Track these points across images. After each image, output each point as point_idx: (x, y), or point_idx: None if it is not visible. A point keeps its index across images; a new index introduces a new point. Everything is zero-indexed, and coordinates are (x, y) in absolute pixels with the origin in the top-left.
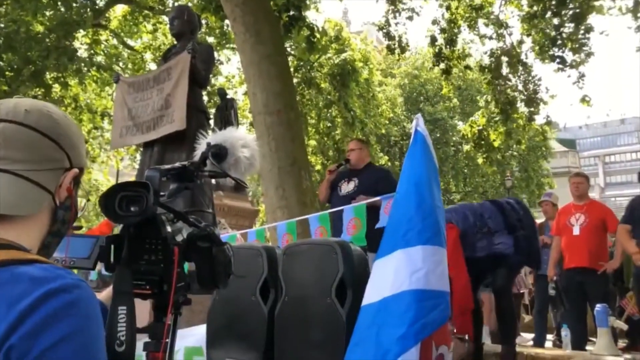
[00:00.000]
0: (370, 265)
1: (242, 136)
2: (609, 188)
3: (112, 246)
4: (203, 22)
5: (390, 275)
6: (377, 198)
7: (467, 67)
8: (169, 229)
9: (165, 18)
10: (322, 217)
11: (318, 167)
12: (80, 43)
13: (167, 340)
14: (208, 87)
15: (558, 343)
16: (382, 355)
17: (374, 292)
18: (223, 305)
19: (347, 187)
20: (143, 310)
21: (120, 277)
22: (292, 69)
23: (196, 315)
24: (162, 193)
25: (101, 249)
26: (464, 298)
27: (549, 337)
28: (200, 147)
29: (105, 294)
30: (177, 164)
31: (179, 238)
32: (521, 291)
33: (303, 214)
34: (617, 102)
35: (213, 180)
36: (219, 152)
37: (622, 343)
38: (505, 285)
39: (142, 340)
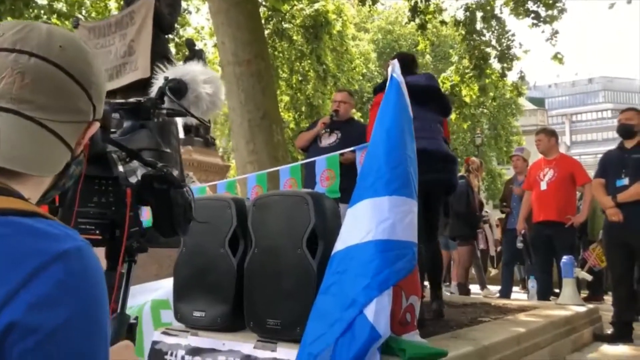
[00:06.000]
0: (342, 216)
1: (204, 71)
2: (574, 146)
3: None
4: None
5: (356, 224)
6: (350, 149)
7: (443, 22)
8: (121, 168)
9: None
10: (294, 169)
11: (292, 124)
12: None
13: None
14: (176, 38)
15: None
16: (350, 303)
17: (340, 241)
18: (190, 257)
19: (328, 140)
20: None
21: (63, 222)
22: (262, 20)
23: (165, 270)
24: (113, 130)
25: None
26: None
27: (516, 288)
28: (158, 82)
29: None
30: (131, 99)
31: (133, 179)
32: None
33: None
34: (585, 62)
35: (181, 134)
36: (178, 87)
37: (583, 294)
38: None
39: None
